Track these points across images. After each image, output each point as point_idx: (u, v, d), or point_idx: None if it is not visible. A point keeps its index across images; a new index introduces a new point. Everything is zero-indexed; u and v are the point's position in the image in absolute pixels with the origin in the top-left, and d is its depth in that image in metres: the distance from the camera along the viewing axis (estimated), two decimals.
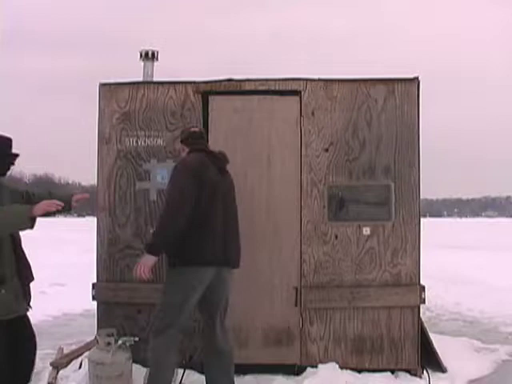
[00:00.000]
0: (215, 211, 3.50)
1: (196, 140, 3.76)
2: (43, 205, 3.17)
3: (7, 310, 3.28)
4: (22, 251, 3.47)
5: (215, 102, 4.48)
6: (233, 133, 4.45)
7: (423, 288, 4.39)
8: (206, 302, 3.62)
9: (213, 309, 3.65)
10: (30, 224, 3.12)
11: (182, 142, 3.83)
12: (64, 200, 3.58)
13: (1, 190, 3.36)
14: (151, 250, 3.39)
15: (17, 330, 3.37)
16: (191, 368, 4.31)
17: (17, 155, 3.50)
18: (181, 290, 3.47)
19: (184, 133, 3.87)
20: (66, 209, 3.69)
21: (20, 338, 3.40)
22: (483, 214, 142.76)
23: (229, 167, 3.78)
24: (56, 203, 3.24)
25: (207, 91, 4.48)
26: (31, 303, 3.56)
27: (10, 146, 3.45)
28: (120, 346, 3.88)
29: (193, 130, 3.87)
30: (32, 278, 3.61)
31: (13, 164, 3.53)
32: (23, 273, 3.40)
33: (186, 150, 3.76)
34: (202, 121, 4.45)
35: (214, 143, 4.21)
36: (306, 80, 4.42)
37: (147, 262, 3.39)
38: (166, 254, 3.55)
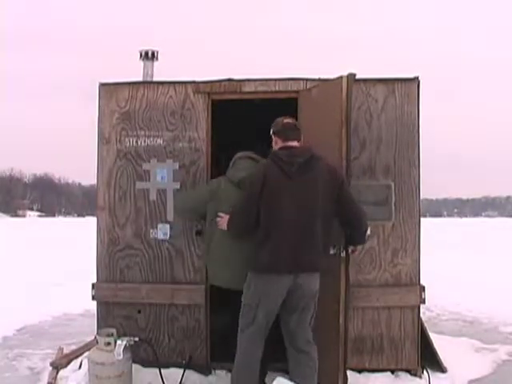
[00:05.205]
0: (281, 217, 3.39)
1: (291, 132, 3.57)
2: None
3: None
4: None
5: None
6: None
7: (423, 288, 4.38)
8: (282, 309, 3.52)
9: (287, 315, 3.53)
10: None
11: (274, 134, 3.61)
12: None
13: None
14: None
15: None
16: (191, 368, 4.32)
17: None
18: (252, 293, 3.48)
19: (277, 124, 3.63)
20: None
21: None
22: (483, 213, 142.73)
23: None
24: None
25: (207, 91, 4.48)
26: None
27: None
28: (124, 347, 3.86)
29: (286, 121, 3.62)
30: None
31: None
32: None
33: (280, 143, 3.58)
34: (205, 122, 4.47)
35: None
36: (306, 80, 4.42)
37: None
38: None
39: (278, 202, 3.40)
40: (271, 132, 3.65)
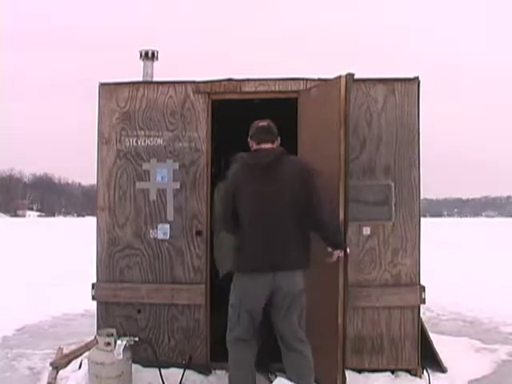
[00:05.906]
0: (251, 218, 3.47)
1: (263, 135, 3.57)
2: None
3: None
4: None
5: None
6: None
7: (423, 288, 4.38)
8: (270, 309, 3.53)
9: (274, 314, 3.53)
10: None
11: (250, 138, 3.62)
12: None
13: None
14: None
15: None
16: (191, 368, 4.32)
17: None
18: (235, 294, 3.57)
19: (252, 128, 3.64)
20: None
21: None
22: (483, 213, 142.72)
23: None
24: None
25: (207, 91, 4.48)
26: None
27: None
28: (124, 347, 3.87)
29: (260, 124, 3.63)
30: None
31: None
32: None
33: (254, 145, 3.60)
34: (205, 122, 4.46)
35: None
36: (306, 80, 4.41)
37: None
38: None
39: (248, 204, 3.49)
40: (248, 137, 3.66)
